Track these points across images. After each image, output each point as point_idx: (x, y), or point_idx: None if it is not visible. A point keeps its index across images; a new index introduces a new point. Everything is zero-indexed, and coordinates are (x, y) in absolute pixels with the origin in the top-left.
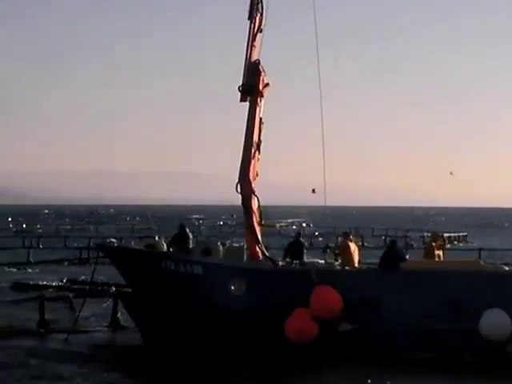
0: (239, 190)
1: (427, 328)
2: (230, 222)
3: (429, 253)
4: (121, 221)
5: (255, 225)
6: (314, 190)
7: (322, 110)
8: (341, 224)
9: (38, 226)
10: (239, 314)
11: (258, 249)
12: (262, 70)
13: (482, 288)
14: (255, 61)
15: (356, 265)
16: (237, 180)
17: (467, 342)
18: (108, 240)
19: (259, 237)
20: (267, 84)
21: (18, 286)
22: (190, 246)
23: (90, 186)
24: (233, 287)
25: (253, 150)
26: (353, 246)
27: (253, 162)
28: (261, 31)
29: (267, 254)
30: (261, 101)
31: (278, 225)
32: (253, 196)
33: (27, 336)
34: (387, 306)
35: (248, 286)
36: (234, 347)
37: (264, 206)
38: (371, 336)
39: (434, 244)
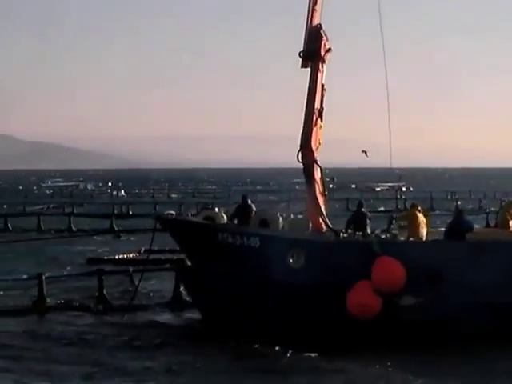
0: (300, 158)
1: (494, 302)
2: None
3: (502, 222)
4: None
5: (318, 195)
6: (365, 152)
7: (386, 69)
8: (437, 187)
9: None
10: (298, 288)
11: (321, 220)
12: (323, 34)
13: None
14: (316, 25)
15: (424, 237)
16: (298, 148)
17: None
18: (166, 212)
19: (322, 208)
20: (329, 49)
21: (93, 262)
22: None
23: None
24: (291, 260)
25: (315, 118)
26: (420, 217)
27: (315, 129)
28: None
29: (330, 225)
30: (322, 66)
31: (377, 188)
32: (315, 165)
33: (85, 312)
34: (452, 279)
35: (306, 259)
36: (291, 324)
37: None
38: (435, 310)
39: (507, 212)
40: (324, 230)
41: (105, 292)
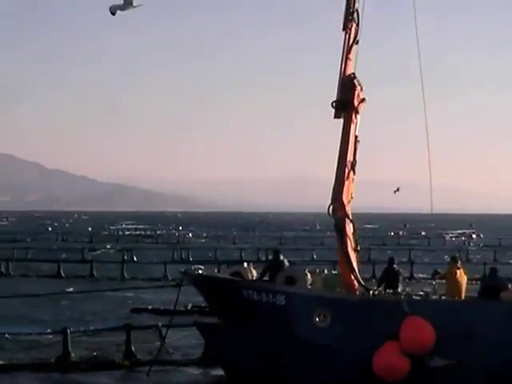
0: (331, 212)
1: None
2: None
3: None
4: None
5: (350, 251)
6: (397, 190)
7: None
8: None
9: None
10: (323, 348)
11: (353, 277)
12: (357, 84)
13: None
14: (350, 74)
15: (463, 295)
16: (329, 202)
17: None
18: (194, 267)
19: (354, 264)
20: (363, 99)
21: (137, 311)
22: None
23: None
24: (317, 319)
25: (347, 170)
26: (459, 273)
27: (347, 182)
28: (357, 43)
29: (362, 282)
30: (356, 117)
31: (446, 236)
32: (347, 220)
33: (110, 368)
34: (485, 339)
35: (333, 318)
36: None
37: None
38: (467, 372)
39: None
40: (356, 288)
41: (132, 347)
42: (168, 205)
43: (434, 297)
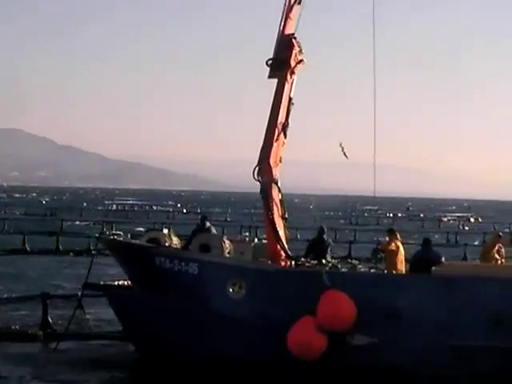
0: (256, 176)
1: (459, 345)
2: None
3: (484, 254)
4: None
5: (277, 219)
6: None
7: None
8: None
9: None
10: (238, 322)
11: (279, 247)
12: (296, 44)
13: None
14: (289, 34)
15: (403, 269)
16: (256, 164)
17: (506, 364)
18: (112, 232)
19: (281, 233)
20: (301, 60)
21: (90, 287)
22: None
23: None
24: (231, 290)
25: (277, 132)
26: (398, 247)
27: (275, 145)
28: (299, 3)
29: (289, 252)
30: (291, 77)
31: (444, 218)
32: (274, 185)
33: (24, 340)
34: (412, 318)
35: (248, 289)
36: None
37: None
38: (391, 352)
39: (494, 245)
40: (282, 258)
41: (49, 318)
42: (179, 183)
43: (362, 269)
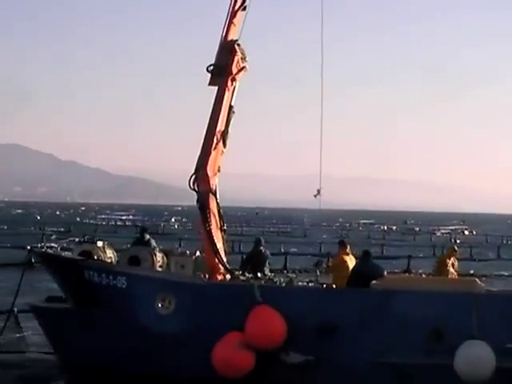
0: (192, 185)
1: (397, 362)
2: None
3: (438, 268)
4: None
5: (215, 230)
6: (318, 192)
7: None
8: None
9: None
10: (168, 338)
11: (217, 260)
12: (239, 51)
13: (466, 315)
14: (232, 40)
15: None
16: (192, 173)
17: (443, 381)
18: (47, 245)
19: (219, 245)
20: (243, 67)
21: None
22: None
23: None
24: (160, 305)
25: (215, 140)
26: (348, 260)
27: (213, 153)
28: (244, 9)
29: (227, 265)
30: (232, 85)
31: (437, 233)
32: (211, 195)
33: None
34: (350, 335)
35: (177, 304)
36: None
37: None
38: (327, 372)
39: (450, 258)
40: (220, 271)
41: None
42: (180, 198)
43: (299, 284)
